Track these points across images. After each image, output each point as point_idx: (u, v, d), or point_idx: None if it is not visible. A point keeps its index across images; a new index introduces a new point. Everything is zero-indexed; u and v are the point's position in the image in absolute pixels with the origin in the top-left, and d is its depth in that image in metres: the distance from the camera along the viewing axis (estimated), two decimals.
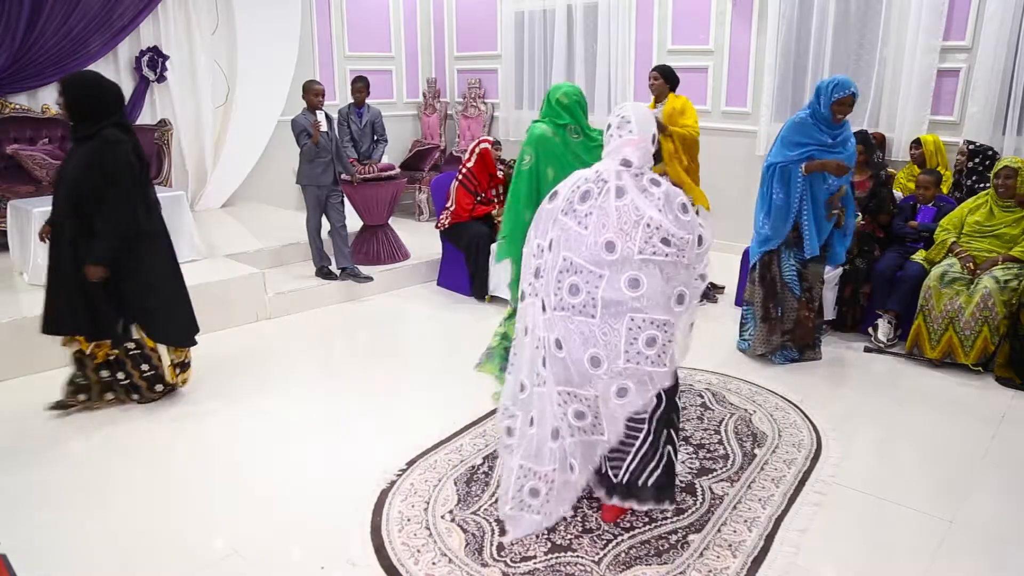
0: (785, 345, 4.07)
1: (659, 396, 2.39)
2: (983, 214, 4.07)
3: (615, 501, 2.51)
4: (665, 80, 4.96)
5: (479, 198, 5.24)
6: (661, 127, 4.54)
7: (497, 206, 5.24)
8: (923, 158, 4.84)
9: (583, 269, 2.29)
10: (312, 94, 4.99)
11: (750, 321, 4.13)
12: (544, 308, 2.38)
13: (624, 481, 2.47)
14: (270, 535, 2.58)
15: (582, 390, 2.36)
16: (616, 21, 6.61)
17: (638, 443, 2.43)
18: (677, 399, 2.51)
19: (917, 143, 4.90)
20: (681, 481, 2.84)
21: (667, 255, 2.24)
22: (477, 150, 5.15)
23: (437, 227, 5.39)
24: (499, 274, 5.11)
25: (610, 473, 2.49)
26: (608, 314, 2.27)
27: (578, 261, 2.30)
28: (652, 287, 2.25)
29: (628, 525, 2.58)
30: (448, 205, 5.26)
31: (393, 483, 2.86)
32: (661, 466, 2.47)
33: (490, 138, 5.44)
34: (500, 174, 5.33)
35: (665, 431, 2.46)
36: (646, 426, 2.42)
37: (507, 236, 3.21)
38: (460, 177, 5.22)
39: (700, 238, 2.33)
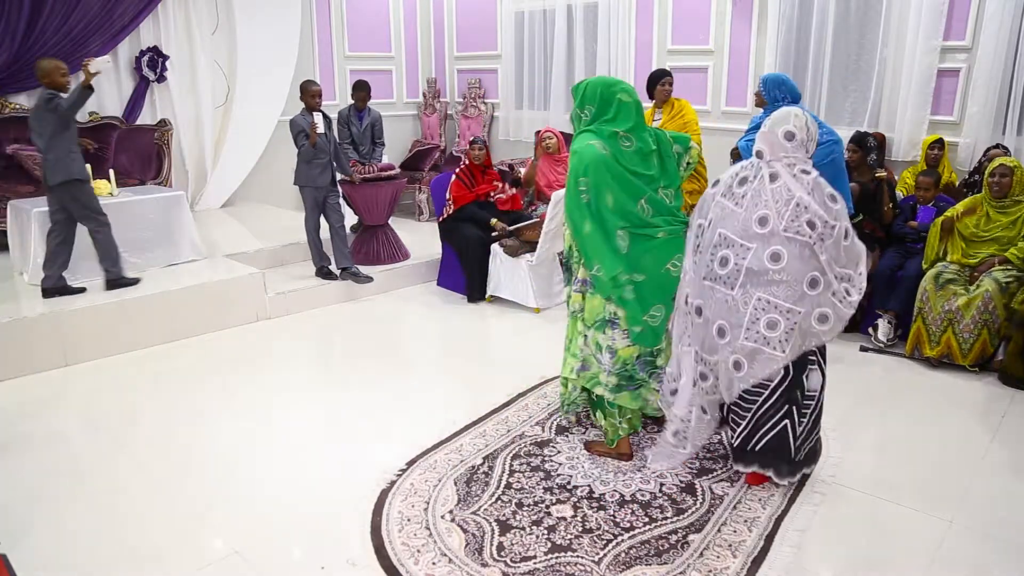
0: None
1: (787, 369, 2.56)
2: (981, 219, 4.06)
3: (733, 464, 2.83)
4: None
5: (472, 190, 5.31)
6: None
7: (500, 186, 5.42)
8: (938, 160, 4.81)
9: (735, 243, 2.54)
10: (309, 95, 4.96)
11: None
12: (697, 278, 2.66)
13: (735, 444, 2.75)
14: (270, 535, 2.58)
15: (710, 355, 2.65)
16: (616, 21, 6.60)
17: (754, 408, 2.64)
18: (804, 378, 2.63)
19: (940, 144, 4.81)
20: (681, 481, 2.85)
21: (809, 236, 2.43)
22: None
23: (440, 220, 5.41)
24: (498, 274, 5.14)
25: (724, 435, 2.75)
26: (749, 284, 2.50)
27: (731, 236, 2.54)
28: (791, 264, 2.46)
29: (628, 525, 2.58)
30: (448, 199, 5.31)
31: (393, 483, 2.86)
32: (772, 434, 2.66)
33: (470, 137, 5.51)
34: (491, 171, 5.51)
35: (786, 406, 2.62)
36: (766, 393, 2.61)
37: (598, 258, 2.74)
38: (457, 172, 5.33)
39: (847, 231, 2.48)
